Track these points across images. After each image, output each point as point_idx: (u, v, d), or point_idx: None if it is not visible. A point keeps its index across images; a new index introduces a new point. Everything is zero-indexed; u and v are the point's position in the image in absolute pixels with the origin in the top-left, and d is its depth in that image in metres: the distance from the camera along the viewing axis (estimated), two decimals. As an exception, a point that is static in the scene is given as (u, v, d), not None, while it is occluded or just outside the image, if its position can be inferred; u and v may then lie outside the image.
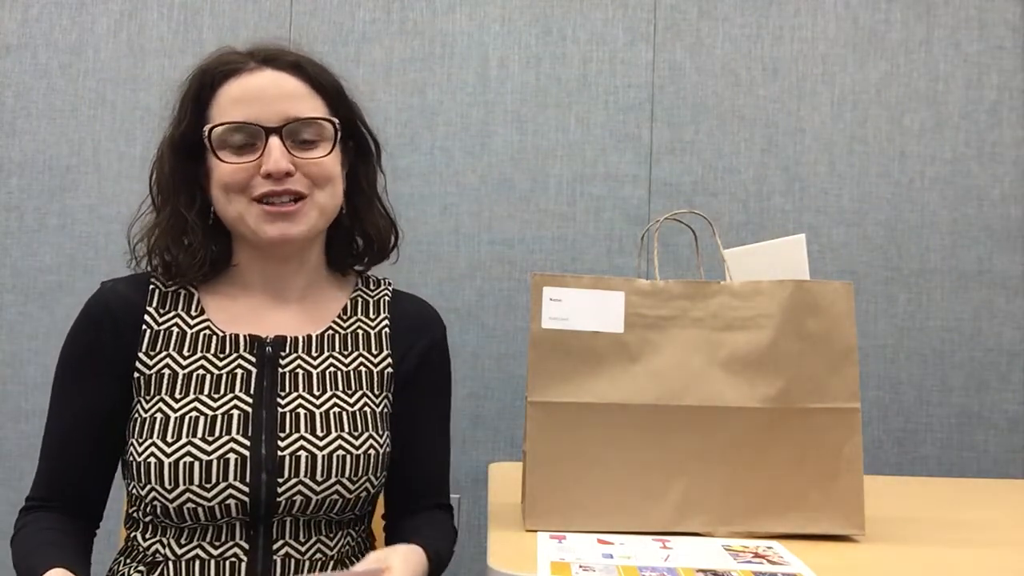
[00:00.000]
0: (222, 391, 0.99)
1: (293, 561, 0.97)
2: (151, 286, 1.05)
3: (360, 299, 1.11)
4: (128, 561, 1.01)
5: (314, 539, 0.99)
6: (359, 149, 1.09)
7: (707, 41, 1.80)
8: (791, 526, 0.99)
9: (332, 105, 1.04)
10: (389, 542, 1.09)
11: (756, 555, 0.91)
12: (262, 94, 0.99)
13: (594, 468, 0.99)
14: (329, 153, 1.01)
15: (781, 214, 1.78)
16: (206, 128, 0.99)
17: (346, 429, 1.00)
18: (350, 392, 1.03)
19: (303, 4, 1.80)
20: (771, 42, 1.80)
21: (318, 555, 0.99)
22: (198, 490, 0.94)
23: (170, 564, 0.96)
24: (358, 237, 1.11)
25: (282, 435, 0.98)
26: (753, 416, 0.99)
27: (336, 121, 1.02)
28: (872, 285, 1.77)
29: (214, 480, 0.94)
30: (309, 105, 1.01)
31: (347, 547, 1.03)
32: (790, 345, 1.00)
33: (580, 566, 0.84)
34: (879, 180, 1.79)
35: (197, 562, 0.96)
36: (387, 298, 1.12)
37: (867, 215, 1.78)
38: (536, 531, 0.97)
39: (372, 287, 1.13)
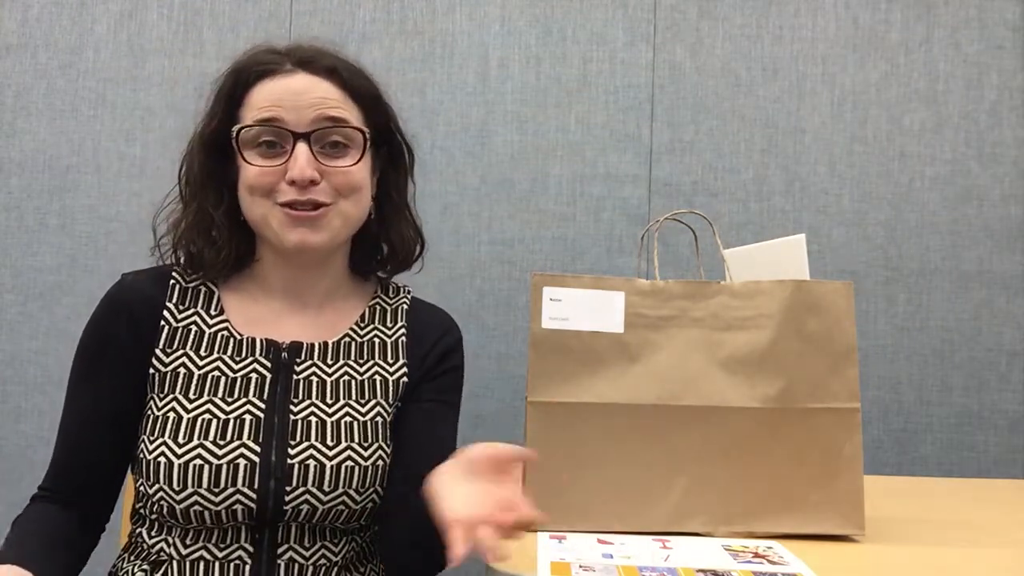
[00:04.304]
0: (236, 394, 0.99)
1: (297, 565, 0.97)
2: (172, 281, 1.04)
3: (378, 306, 1.10)
4: (132, 559, 1.01)
5: (319, 544, 0.99)
6: (392, 156, 1.08)
7: (707, 41, 1.80)
8: (791, 526, 0.99)
9: (366, 112, 1.02)
10: (387, 535, 1.04)
11: (756, 555, 0.91)
12: (294, 97, 0.97)
13: (594, 468, 0.99)
14: (358, 161, 0.99)
15: (781, 214, 1.78)
16: (234, 129, 0.98)
17: (356, 440, 1.00)
18: (363, 402, 1.03)
19: (303, 4, 1.80)
20: (771, 42, 1.80)
21: (322, 560, 0.99)
22: (206, 493, 0.93)
23: (174, 564, 0.96)
24: (384, 244, 1.09)
25: (292, 443, 0.97)
26: (753, 416, 0.99)
27: (366, 131, 1.00)
28: (872, 285, 1.77)
29: (223, 484, 0.94)
30: (342, 111, 0.99)
31: (352, 553, 1.03)
32: (790, 345, 1.00)
33: (580, 566, 0.84)
34: (879, 180, 1.79)
35: (201, 563, 0.96)
36: (405, 306, 1.11)
37: (867, 215, 1.78)
38: (536, 531, 0.97)
39: (391, 295, 1.12)
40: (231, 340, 1.02)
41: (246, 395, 0.99)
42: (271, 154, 0.98)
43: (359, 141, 1.00)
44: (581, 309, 1.00)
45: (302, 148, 0.96)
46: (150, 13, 1.80)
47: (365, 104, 1.02)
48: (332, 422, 1.00)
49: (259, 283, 1.06)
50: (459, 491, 0.76)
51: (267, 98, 0.98)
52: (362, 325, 1.07)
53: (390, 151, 1.07)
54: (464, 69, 1.80)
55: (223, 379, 0.99)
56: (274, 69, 0.99)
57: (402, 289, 1.14)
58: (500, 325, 1.77)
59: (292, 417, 0.99)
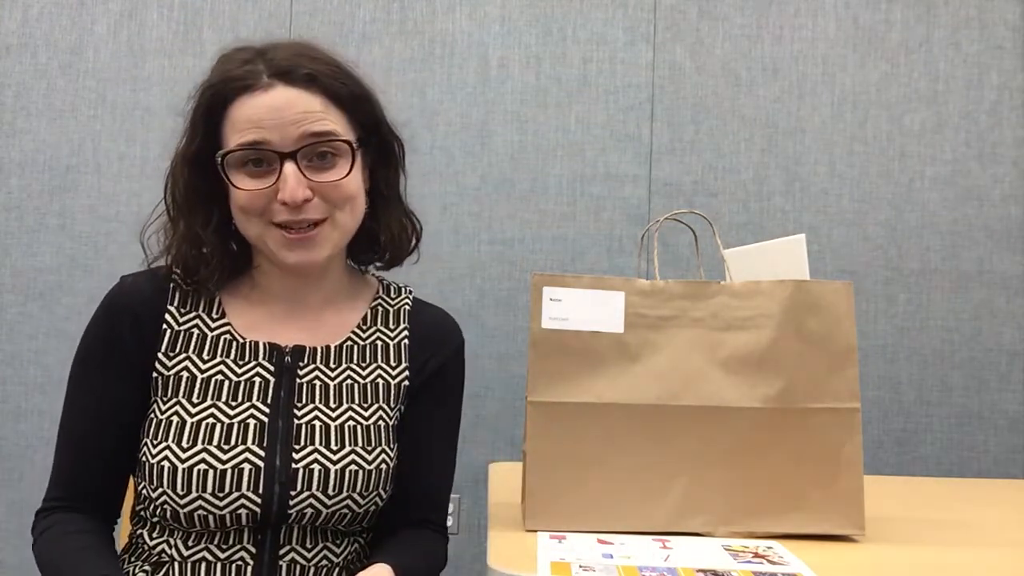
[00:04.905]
0: (240, 399, 0.98)
1: (298, 567, 0.97)
2: (172, 283, 1.03)
3: (380, 308, 1.09)
4: (133, 560, 1.00)
5: (320, 546, 0.99)
6: (381, 150, 1.05)
7: (707, 41, 1.80)
8: (791, 526, 0.99)
9: (351, 114, 1.00)
10: (369, 553, 1.07)
11: (756, 555, 0.91)
12: (276, 114, 0.94)
13: (594, 468, 0.99)
14: (348, 172, 0.97)
15: (781, 214, 1.78)
16: (219, 155, 0.96)
17: (360, 444, 0.99)
18: (366, 405, 1.02)
19: (303, 4, 1.80)
20: (771, 42, 1.80)
21: (324, 562, 0.99)
22: (210, 498, 0.93)
23: (176, 565, 0.96)
24: (381, 235, 1.07)
25: (297, 447, 0.97)
26: (753, 416, 0.99)
27: (353, 140, 0.98)
28: (872, 285, 1.78)
29: (227, 489, 0.93)
30: (325, 122, 0.96)
31: (352, 554, 1.03)
32: (790, 345, 1.00)
33: (580, 566, 0.84)
34: (879, 180, 1.79)
35: (203, 564, 0.96)
36: (407, 307, 1.10)
37: (867, 215, 1.78)
38: (536, 531, 0.97)
39: (393, 295, 1.11)
40: (234, 344, 1.01)
41: (250, 399, 0.99)
42: (258, 173, 0.96)
43: (347, 150, 0.98)
44: (581, 309, 1.00)
45: (290, 168, 0.94)
46: (150, 13, 1.80)
47: (349, 107, 1.00)
48: (336, 426, 0.99)
49: (258, 289, 1.05)
50: None
51: (248, 118, 0.95)
52: (364, 328, 1.07)
53: (379, 145, 1.05)
54: (464, 69, 1.80)
55: (227, 383, 0.99)
56: (251, 84, 0.96)
57: (403, 289, 1.13)
58: (500, 325, 1.77)
59: (296, 421, 0.99)
